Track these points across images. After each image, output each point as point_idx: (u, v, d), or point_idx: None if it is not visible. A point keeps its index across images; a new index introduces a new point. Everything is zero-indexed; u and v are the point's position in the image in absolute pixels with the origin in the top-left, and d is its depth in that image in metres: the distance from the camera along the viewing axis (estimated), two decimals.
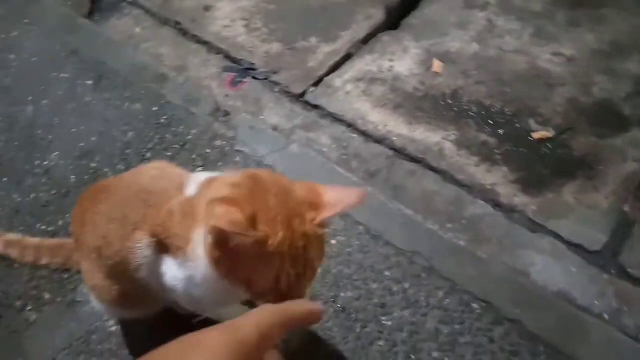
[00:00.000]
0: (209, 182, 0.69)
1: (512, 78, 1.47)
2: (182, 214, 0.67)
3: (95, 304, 0.89)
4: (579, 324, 0.96)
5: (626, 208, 1.18)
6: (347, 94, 1.45)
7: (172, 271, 0.70)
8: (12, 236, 1.09)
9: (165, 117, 1.36)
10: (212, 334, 0.34)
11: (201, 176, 0.74)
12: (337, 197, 0.63)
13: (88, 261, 0.81)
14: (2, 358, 0.98)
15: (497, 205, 1.20)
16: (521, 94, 1.43)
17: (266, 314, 0.38)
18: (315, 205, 0.62)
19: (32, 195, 1.22)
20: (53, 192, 1.22)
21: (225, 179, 0.66)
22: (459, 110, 1.40)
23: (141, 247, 0.72)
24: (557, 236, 1.14)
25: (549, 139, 1.33)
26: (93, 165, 1.27)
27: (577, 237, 1.13)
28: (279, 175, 0.68)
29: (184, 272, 0.69)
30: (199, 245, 0.63)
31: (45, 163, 1.29)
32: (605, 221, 1.15)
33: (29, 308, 1.05)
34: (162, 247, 0.71)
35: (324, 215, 0.62)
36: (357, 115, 1.40)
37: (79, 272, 1.07)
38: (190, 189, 0.70)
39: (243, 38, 1.61)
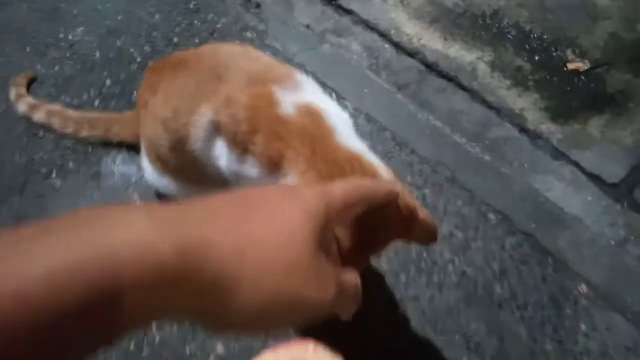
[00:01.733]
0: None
1: (555, 5, 1.41)
2: (270, 130, 0.63)
3: (154, 177, 0.87)
4: (590, 247, 0.99)
5: None
6: (383, 1, 1.39)
7: (227, 158, 0.69)
8: (54, 107, 1.08)
9: (194, 2, 1.31)
10: (309, 190, 0.35)
11: (308, 88, 0.69)
12: None
13: (152, 129, 0.79)
14: (30, 216, 1.01)
15: (523, 130, 1.20)
16: (562, 23, 1.38)
17: (352, 184, 0.39)
18: None
19: (56, 68, 1.20)
20: (77, 66, 1.20)
21: None
22: (497, 31, 1.36)
23: (202, 121, 0.68)
24: (577, 166, 1.15)
25: (583, 71, 1.30)
26: (118, 43, 1.24)
27: (596, 169, 1.14)
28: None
29: (242, 168, 0.67)
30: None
31: (70, 37, 1.25)
32: (626, 157, 1.16)
33: (53, 175, 1.06)
34: (224, 132, 0.67)
35: None
36: (391, 25, 1.35)
37: (116, 144, 1.06)
38: (296, 96, 0.66)
39: None
